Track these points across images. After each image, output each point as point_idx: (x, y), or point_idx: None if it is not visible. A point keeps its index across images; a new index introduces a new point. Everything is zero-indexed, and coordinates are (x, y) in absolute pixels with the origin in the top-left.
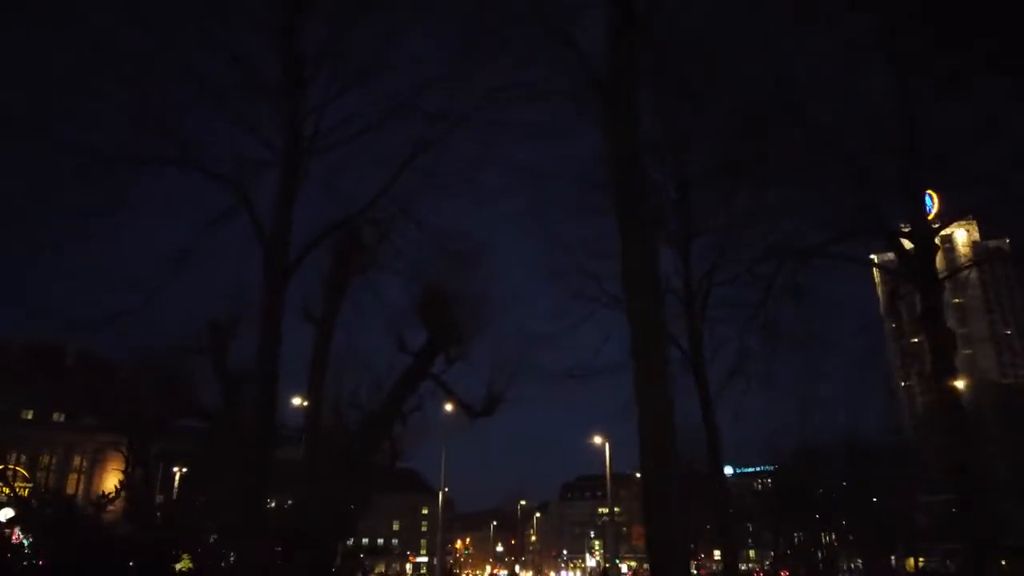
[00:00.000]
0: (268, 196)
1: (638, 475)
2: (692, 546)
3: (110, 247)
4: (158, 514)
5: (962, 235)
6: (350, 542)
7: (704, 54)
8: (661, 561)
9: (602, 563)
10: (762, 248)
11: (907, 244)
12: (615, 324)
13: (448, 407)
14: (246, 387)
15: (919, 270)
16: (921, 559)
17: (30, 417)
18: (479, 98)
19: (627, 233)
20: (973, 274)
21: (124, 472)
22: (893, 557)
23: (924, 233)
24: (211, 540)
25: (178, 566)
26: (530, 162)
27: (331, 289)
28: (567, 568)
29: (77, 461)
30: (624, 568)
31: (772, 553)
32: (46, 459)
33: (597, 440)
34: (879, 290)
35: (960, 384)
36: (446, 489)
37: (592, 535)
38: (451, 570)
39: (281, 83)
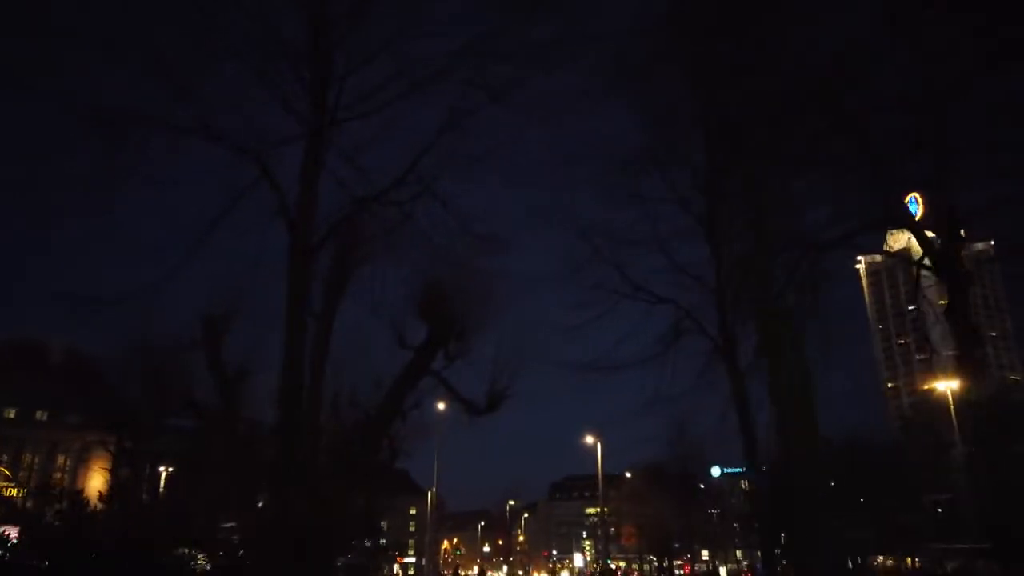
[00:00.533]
0: (289, 174)
1: (627, 475)
2: (677, 545)
3: (120, 234)
4: (173, 517)
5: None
6: (383, 542)
7: (736, 30)
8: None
9: (591, 564)
10: (784, 238)
11: (931, 236)
12: (634, 317)
13: (440, 406)
14: (243, 383)
15: (946, 262)
16: (918, 560)
17: (12, 416)
18: (513, 66)
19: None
20: None
21: (111, 471)
22: (890, 558)
23: (951, 224)
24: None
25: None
26: (556, 143)
27: (331, 284)
28: (559, 569)
29: (61, 460)
30: (613, 567)
31: (759, 553)
32: (28, 458)
33: (589, 440)
34: (866, 293)
35: (984, 380)
36: (435, 489)
37: (584, 535)
38: (457, 570)
39: (306, 48)
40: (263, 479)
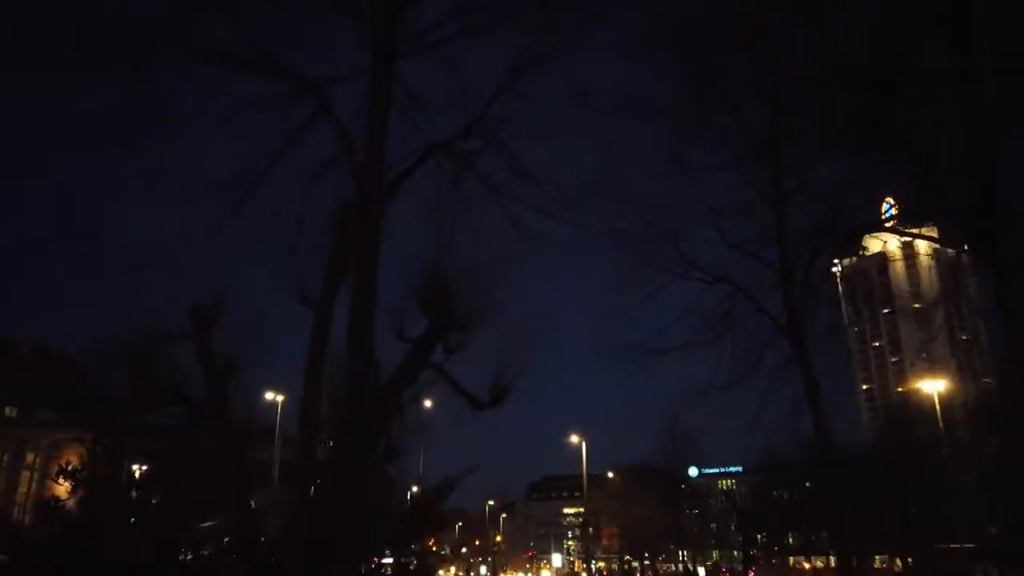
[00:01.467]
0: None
1: (609, 475)
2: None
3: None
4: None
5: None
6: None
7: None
8: None
9: (568, 563)
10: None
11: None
12: (668, 299)
13: (427, 403)
14: (233, 377)
15: (996, 250)
16: (909, 559)
17: None
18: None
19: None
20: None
21: (87, 469)
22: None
23: (1001, 212)
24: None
25: None
26: (608, 100)
27: (332, 270)
28: (541, 569)
29: (30, 458)
30: (593, 567)
31: (735, 553)
32: None
33: (574, 439)
34: (841, 296)
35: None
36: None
37: (569, 535)
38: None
39: None
40: (257, 477)
